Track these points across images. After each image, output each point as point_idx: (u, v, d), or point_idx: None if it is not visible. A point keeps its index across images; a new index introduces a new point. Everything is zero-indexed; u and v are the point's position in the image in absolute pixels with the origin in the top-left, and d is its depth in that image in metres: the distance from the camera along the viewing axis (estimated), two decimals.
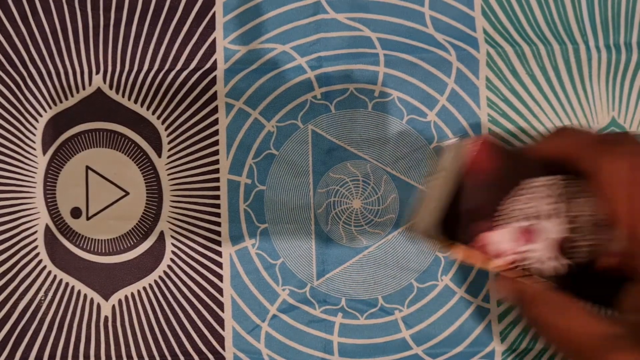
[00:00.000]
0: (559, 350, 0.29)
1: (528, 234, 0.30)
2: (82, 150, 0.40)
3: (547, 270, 0.30)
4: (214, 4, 0.40)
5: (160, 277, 0.39)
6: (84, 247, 0.39)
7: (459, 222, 0.30)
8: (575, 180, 0.30)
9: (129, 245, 0.39)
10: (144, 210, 0.39)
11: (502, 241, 0.30)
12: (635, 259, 0.26)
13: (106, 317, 0.39)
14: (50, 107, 0.40)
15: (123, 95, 0.40)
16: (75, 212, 0.39)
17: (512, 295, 0.31)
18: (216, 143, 0.39)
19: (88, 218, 0.39)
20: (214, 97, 0.40)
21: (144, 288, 0.39)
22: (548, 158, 0.30)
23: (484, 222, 0.30)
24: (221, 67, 0.40)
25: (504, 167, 0.30)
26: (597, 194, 0.28)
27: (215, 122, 0.39)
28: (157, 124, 0.40)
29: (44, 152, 0.40)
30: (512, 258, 0.30)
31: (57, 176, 0.40)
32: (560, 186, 0.30)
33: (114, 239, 0.39)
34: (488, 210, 0.30)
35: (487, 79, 0.39)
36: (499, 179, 0.30)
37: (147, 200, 0.39)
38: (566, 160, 0.29)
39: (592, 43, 0.39)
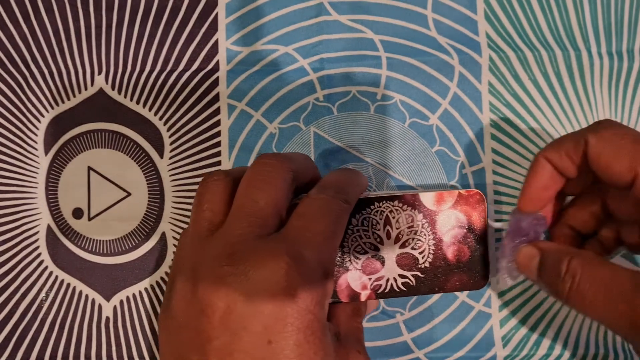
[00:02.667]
0: None
1: (371, 265, 0.35)
2: (84, 150, 0.40)
3: (401, 285, 0.35)
4: (216, 5, 0.40)
5: (162, 278, 0.39)
6: (86, 247, 0.39)
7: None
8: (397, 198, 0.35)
9: (130, 246, 0.39)
10: (146, 211, 0.39)
11: (353, 279, 0.35)
12: None
13: (107, 318, 0.39)
14: (52, 108, 0.40)
15: (125, 96, 0.40)
16: (77, 213, 0.39)
17: None
18: (218, 144, 0.39)
19: (90, 219, 0.39)
20: (216, 98, 0.40)
21: (146, 289, 0.39)
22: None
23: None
24: (223, 68, 0.40)
25: None
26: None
27: (218, 123, 0.39)
28: (159, 124, 0.40)
29: (46, 152, 0.40)
30: (370, 288, 0.35)
31: (59, 177, 0.39)
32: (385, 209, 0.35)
33: (115, 239, 0.39)
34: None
35: (490, 84, 0.39)
36: None
37: (149, 201, 0.39)
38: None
39: (594, 49, 0.39)
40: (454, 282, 0.35)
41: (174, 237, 0.39)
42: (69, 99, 0.40)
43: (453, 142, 0.39)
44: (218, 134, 0.39)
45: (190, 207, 0.39)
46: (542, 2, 0.40)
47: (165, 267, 0.39)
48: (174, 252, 0.39)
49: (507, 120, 0.39)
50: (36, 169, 0.40)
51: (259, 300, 0.26)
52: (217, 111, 0.40)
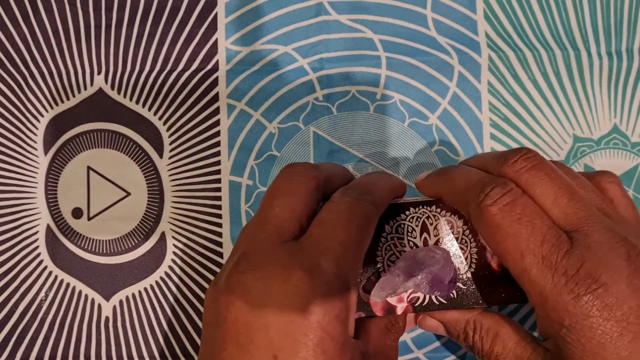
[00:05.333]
0: None
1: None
2: (84, 150, 0.40)
3: (441, 297, 0.32)
4: (216, 4, 0.40)
5: (161, 278, 0.39)
6: (85, 247, 0.39)
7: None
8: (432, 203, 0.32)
9: (130, 245, 0.39)
10: (145, 210, 0.39)
11: (385, 287, 0.31)
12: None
13: (107, 318, 0.39)
14: (52, 107, 0.40)
15: (125, 96, 0.40)
16: (77, 213, 0.39)
17: (447, 328, 0.32)
18: (218, 144, 0.39)
19: (89, 218, 0.39)
20: (215, 98, 0.40)
21: (145, 289, 0.39)
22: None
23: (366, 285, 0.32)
24: (223, 68, 0.40)
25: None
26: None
27: (217, 123, 0.39)
28: (159, 124, 0.40)
29: (45, 152, 0.40)
30: (407, 301, 0.32)
31: (59, 176, 0.40)
32: (421, 214, 0.32)
33: (115, 239, 0.39)
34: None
35: (489, 83, 0.39)
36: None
37: (148, 200, 0.39)
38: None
39: (593, 49, 0.39)
40: (499, 293, 0.31)
41: (174, 237, 0.39)
42: (68, 99, 0.40)
43: (452, 142, 0.39)
44: (217, 133, 0.39)
45: (189, 206, 0.39)
46: (541, 2, 0.40)
47: (164, 267, 0.39)
48: (173, 252, 0.39)
49: (506, 120, 0.39)
50: (36, 168, 0.40)
51: (267, 312, 0.26)
52: (217, 111, 0.40)
